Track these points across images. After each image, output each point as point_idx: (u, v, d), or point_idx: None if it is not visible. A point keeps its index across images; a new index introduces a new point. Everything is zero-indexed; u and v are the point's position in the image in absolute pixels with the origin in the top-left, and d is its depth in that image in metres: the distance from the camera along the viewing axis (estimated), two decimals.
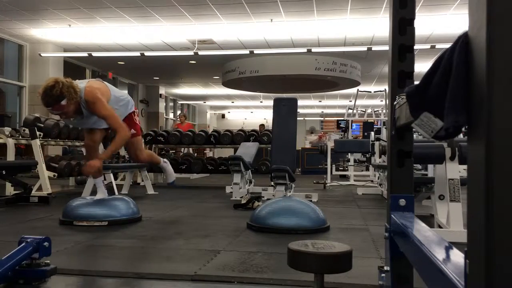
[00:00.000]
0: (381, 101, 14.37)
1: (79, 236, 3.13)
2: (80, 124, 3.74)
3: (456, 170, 3.11)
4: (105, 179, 4.48)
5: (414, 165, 2.67)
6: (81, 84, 3.52)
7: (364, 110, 13.56)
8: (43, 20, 8.54)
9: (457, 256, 0.80)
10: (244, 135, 7.61)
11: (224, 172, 7.63)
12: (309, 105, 20.56)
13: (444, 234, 2.85)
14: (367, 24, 8.42)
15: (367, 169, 9.67)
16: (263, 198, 5.02)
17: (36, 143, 5.21)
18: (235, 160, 5.70)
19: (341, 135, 12.56)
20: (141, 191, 6.42)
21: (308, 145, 13.71)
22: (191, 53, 9.56)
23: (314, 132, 22.07)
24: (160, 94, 16.66)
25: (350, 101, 15.84)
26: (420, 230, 1.09)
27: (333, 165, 9.29)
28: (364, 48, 9.05)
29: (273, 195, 4.75)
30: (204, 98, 19.66)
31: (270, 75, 10.91)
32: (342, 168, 10.26)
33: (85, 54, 9.89)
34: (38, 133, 5.28)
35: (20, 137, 5.59)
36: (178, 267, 2.32)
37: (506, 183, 0.52)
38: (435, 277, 0.76)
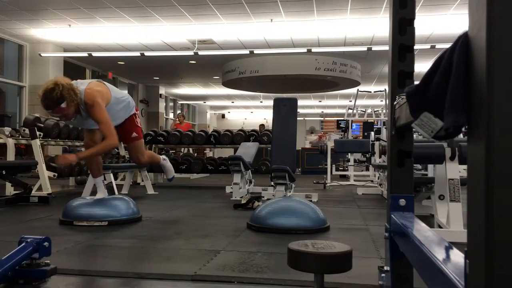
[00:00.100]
0: (381, 101, 14.36)
1: (79, 236, 3.13)
2: (80, 124, 3.74)
3: (456, 170, 3.11)
4: (105, 179, 4.48)
5: (414, 165, 2.67)
6: (81, 85, 3.50)
7: (364, 110, 13.55)
8: (43, 20, 8.54)
9: (457, 256, 0.80)
10: (244, 135, 7.61)
11: (224, 172, 7.63)
12: (309, 105, 20.56)
13: (444, 234, 2.85)
14: (367, 24, 8.42)
15: (367, 169, 9.66)
16: (263, 198, 5.02)
17: (36, 143, 5.21)
18: (235, 160, 5.70)
19: (341, 135, 12.56)
20: (141, 191, 6.42)
21: (308, 145, 13.70)
22: (191, 53, 9.57)
23: (314, 132, 22.08)
24: (160, 94, 16.67)
25: (350, 101, 15.84)
26: (420, 230, 1.09)
27: (333, 165, 9.29)
28: (364, 48, 9.05)
29: (273, 195, 4.75)
30: (204, 98, 19.66)
31: (270, 75, 10.91)
32: (342, 168, 10.26)
33: (85, 54, 9.89)
34: (38, 133, 5.28)
35: (20, 137, 5.59)
36: (178, 267, 2.32)
37: (506, 183, 0.52)
38: (435, 277, 0.76)
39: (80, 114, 3.55)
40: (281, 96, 7.55)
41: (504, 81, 0.52)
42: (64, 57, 10.81)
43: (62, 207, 3.80)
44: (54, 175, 5.44)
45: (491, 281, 0.52)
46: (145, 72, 13.81)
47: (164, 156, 4.66)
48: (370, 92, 11.23)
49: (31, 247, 1.94)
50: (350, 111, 11.82)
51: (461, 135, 2.33)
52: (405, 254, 1.12)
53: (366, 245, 2.90)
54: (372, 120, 14.06)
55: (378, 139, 7.12)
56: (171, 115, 18.70)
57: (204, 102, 21.31)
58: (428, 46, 8.49)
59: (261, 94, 16.14)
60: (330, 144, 8.48)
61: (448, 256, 0.84)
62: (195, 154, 10.37)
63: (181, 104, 20.44)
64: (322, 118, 23.87)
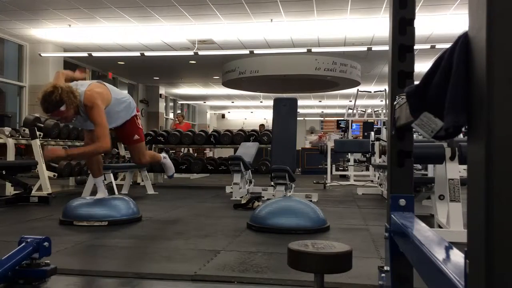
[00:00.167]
0: (381, 101, 14.36)
1: (79, 236, 3.13)
2: (80, 125, 3.74)
3: (456, 170, 3.11)
4: (105, 179, 4.48)
5: (414, 165, 2.67)
6: (82, 87, 3.49)
7: (364, 110, 13.55)
8: (43, 20, 8.54)
9: (457, 256, 0.80)
10: (244, 135, 7.61)
11: (224, 172, 7.63)
12: (309, 105, 20.56)
13: (444, 234, 2.85)
14: (367, 24, 8.42)
15: (367, 169, 9.66)
16: (263, 198, 5.02)
17: (36, 143, 5.21)
18: (235, 160, 5.70)
19: (341, 135, 12.56)
20: (141, 191, 6.42)
21: (308, 145, 13.70)
22: (191, 53, 9.57)
23: (314, 132, 22.08)
24: (160, 94, 16.67)
25: (350, 101, 15.84)
26: (420, 230, 1.09)
27: (333, 165, 9.29)
28: (364, 48, 9.06)
29: (273, 195, 4.75)
30: (204, 98, 19.66)
31: (270, 75, 10.91)
32: (342, 168, 10.26)
33: (85, 54, 9.89)
34: (38, 133, 5.27)
35: (20, 137, 5.59)
36: (178, 267, 2.32)
37: (506, 183, 0.52)
38: (435, 277, 0.76)
39: (80, 115, 3.55)
40: (281, 96, 7.55)
41: (504, 81, 0.52)
42: (64, 57, 10.82)
43: (62, 207, 3.80)
44: (54, 175, 5.44)
45: (491, 281, 0.52)
46: (145, 72, 13.81)
47: (164, 154, 4.67)
48: (370, 92, 11.23)
49: (31, 247, 1.94)
50: (350, 111, 11.82)
51: (461, 135, 2.33)
52: (405, 254, 1.12)
53: (366, 245, 2.90)
54: (372, 120, 14.06)
55: (378, 139, 7.12)
56: (171, 115, 18.70)
57: (204, 102, 21.31)
58: (428, 46, 8.50)
59: (261, 94, 16.14)
60: (330, 144, 8.48)
61: (448, 256, 0.84)
62: (195, 154, 10.37)
63: (181, 104, 20.44)
64: (322, 118, 23.87)
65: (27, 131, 5.42)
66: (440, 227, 3.28)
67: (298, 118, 5.60)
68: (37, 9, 7.92)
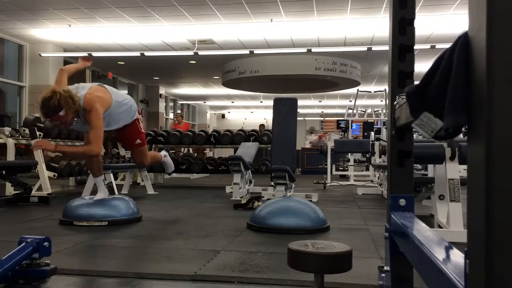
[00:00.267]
0: (381, 101, 14.36)
1: (79, 236, 3.13)
2: (80, 128, 3.73)
3: (456, 170, 3.11)
4: (105, 179, 4.48)
5: (414, 165, 2.67)
6: (82, 90, 3.48)
7: (364, 110, 13.55)
8: (43, 20, 8.54)
9: (457, 256, 0.80)
10: (244, 135, 7.61)
11: (224, 172, 7.63)
12: (309, 105, 20.56)
13: (444, 234, 2.85)
14: (367, 24, 8.42)
15: (367, 169, 9.66)
16: (263, 198, 5.02)
17: None
18: (235, 160, 5.70)
19: (341, 135, 12.56)
20: (141, 191, 6.42)
21: (308, 145, 13.70)
22: (191, 53, 9.56)
23: (314, 132, 22.07)
24: (160, 94, 16.67)
25: (350, 101, 15.83)
26: (420, 230, 1.09)
27: (333, 165, 9.29)
28: (364, 48, 9.05)
29: (273, 195, 4.75)
30: (204, 98, 19.66)
31: (270, 75, 10.91)
32: (342, 168, 10.26)
33: (85, 54, 9.87)
34: (38, 133, 5.27)
35: (20, 137, 5.59)
36: (178, 267, 2.32)
37: (506, 183, 0.52)
38: (435, 277, 0.76)
39: (80, 118, 3.54)
40: (281, 96, 7.55)
41: (504, 81, 0.52)
42: (64, 57, 10.81)
43: (62, 207, 3.80)
44: (54, 175, 5.44)
45: (491, 281, 0.52)
46: (145, 72, 13.81)
47: (164, 153, 4.68)
48: (370, 92, 11.23)
49: (31, 247, 1.94)
50: (350, 111, 11.82)
51: (461, 135, 2.33)
52: (405, 254, 1.12)
53: (366, 245, 2.90)
54: (372, 120, 14.05)
55: (378, 139, 7.12)
56: (171, 115, 18.70)
57: (204, 102, 21.31)
58: (428, 46, 8.49)
59: (261, 94, 16.14)
60: (330, 144, 8.48)
61: (448, 256, 0.84)
62: (195, 154, 10.37)
63: (181, 104, 20.44)
64: (322, 118, 23.87)
65: (27, 131, 5.42)
66: (440, 227, 3.28)
67: (298, 118, 5.60)
68: (37, 9, 7.91)
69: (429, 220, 3.73)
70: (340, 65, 10.70)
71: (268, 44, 9.92)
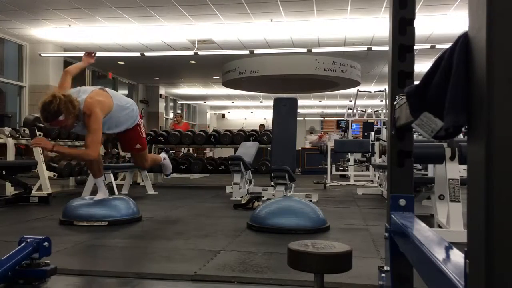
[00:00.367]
0: (381, 101, 14.36)
1: (79, 236, 3.13)
2: (80, 132, 3.72)
3: (456, 170, 3.11)
4: (105, 179, 4.48)
5: (414, 165, 2.67)
6: (83, 94, 3.48)
7: (364, 110, 13.55)
8: (43, 20, 8.54)
9: (457, 256, 0.80)
10: (244, 135, 7.61)
11: (224, 172, 7.63)
12: (309, 105, 20.56)
13: (444, 234, 2.85)
14: (367, 24, 8.42)
15: (367, 169, 9.66)
16: (263, 198, 5.02)
17: None
18: (235, 160, 5.70)
19: (341, 135, 12.56)
20: (141, 191, 6.42)
21: (308, 145, 13.70)
22: (191, 53, 9.56)
23: (314, 132, 22.07)
24: (160, 94, 16.67)
25: (350, 101, 15.84)
26: (420, 230, 1.09)
27: (333, 165, 9.29)
28: (364, 48, 9.05)
29: (273, 195, 4.75)
30: (204, 98, 19.66)
31: (270, 75, 10.91)
32: (342, 168, 10.26)
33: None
34: (38, 133, 5.27)
35: (20, 137, 5.59)
36: (178, 267, 2.32)
37: (506, 183, 0.52)
38: (435, 277, 0.76)
39: (80, 122, 3.54)
40: (281, 96, 7.55)
41: (504, 81, 0.52)
42: (64, 57, 10.81)
43: (62, 207, 3.80)
44: (54, 175, 5.44)
45: (491, 281, 0.52)
46: (145, 72, 13.81)
47: (164, 155, 4.69)
48: (370, 92, 11.23)
49: (31, 247, 1.94)
50: (350, 111, 11.82)
51: (461, 135, 2.33)
52: (405, 254, 1.12)
53: (366, 245, 2.90)
54: (372, 120, 14.05)
55: (378, 139, 7.12)
56: (171, 115, 18.70)
57: (204, 102, 21.30)
58: (428, 46, 8.49)
59: (261, 94, 16.14)
60: (330, 144, 8.48)
61: (448, 256, 0.84)
62: (195, 154, 10.37)
63: (181, 104, 20.44)
64: (322, 118, 23.86)
65: (27, 131, 5.42)
66: (440, 227, 3.28)
67: (298, 118, 5.60)
68: (37, 9, 7.91)
69: (429, 220, 3.73)
70: (340, 65, 10.70)
71: (268, 44, 9.92)
